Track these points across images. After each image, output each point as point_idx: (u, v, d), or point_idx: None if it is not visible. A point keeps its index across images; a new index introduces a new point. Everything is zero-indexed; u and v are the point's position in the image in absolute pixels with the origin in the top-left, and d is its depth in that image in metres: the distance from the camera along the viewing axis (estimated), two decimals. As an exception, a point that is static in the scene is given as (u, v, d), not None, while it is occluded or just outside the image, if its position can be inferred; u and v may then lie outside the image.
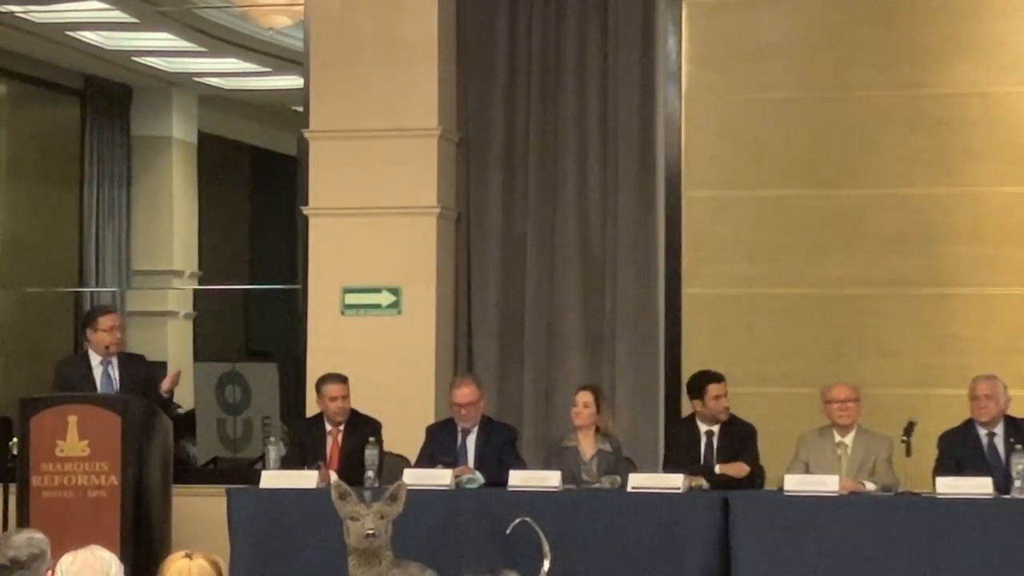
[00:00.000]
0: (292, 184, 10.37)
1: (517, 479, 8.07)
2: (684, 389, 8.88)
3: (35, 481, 8.22)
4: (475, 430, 8.60)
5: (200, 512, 8.48)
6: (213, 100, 13.97)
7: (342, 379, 8.73)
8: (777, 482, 8.10)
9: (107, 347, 8.73)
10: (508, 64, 9.93)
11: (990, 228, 9.40)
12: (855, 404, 8.23)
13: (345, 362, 8.97)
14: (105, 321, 8.78)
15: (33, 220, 12.89)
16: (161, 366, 12.82)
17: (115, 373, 8.75)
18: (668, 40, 9.74)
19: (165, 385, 8.85)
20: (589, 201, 9.80)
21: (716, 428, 8.48)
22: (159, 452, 8.39)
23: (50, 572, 4.37)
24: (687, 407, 8.83)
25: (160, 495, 8.36)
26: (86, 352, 8.85)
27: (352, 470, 8.26)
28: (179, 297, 13.68)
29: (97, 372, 8.73)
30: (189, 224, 13.81)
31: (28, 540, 4.38)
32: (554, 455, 8.49)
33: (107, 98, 13.34)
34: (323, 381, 8.78)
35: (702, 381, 8.54)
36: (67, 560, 4.34)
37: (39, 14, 11.73)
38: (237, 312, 14.69)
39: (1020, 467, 7.58)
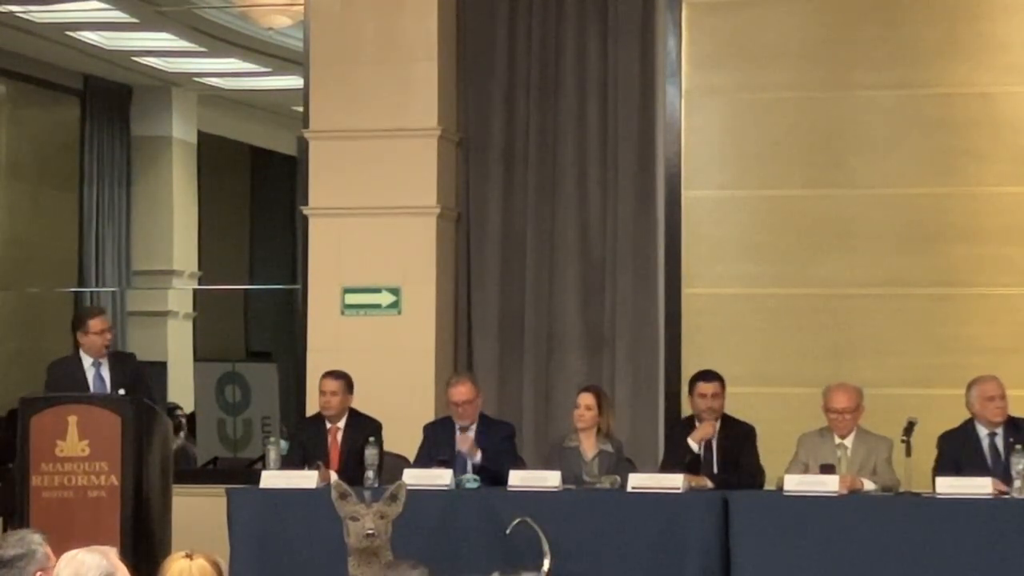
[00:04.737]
0: (292, 184, 10.38)
1: (517, 479, 8.06)
2: (685, 389, 8.88)
3: (35, 481, 8.21)
4: (473, 428, 8.60)
5: (200, 512, 8.47)
6: (213, 100, 13.98)
7: (339, 376, 8.72)
8: (777, 482, 8.09)
9: (101, 348, 8.72)
10: (508, 64, 9.93)
11: (990, 228, 9.40)
12: (852, 415, 8.17)
13: (345, 362, 8.97)
14: (95, 324, 8.77)
15: (33, 220, 12.90)
16: (161, 366, 12.86)
17: (107, 373, 8.75)
18: (668, 40, 9.74)
19: None
20: (589, 201, 9.80)
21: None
22: (159, 452, 8.39)
23: (45, 572, 4.36)
24: (687, 407, 8.83)
25: (160, 495, 8.35)
26: (78, 353, 8.84)
27: (352, 470, 8.26)
28: (179, 297, 13.69)
29: (89, 373, 8.73)
30: (189, 224, 13.82)
31: (19, 539, 4.37)
32: (555, 455, 8.48)
33: (107, 98, 13.35)
34: (322, 376, 8.80)
35: (693, 378, 8.56)
36: (62, 562, 4.33)
37: (39, 14, 11.74)
38: (237, 312, 14.70)
39: (1020, 467, 7.58)
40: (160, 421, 8.52)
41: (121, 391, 8.50)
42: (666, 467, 8.36)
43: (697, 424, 8.42)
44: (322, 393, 8.71)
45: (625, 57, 9.77)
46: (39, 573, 4.34)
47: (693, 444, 8.34)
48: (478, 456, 8.40)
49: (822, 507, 7.68)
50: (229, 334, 14.46)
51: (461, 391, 8.56)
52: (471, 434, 8.50)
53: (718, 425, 8.41)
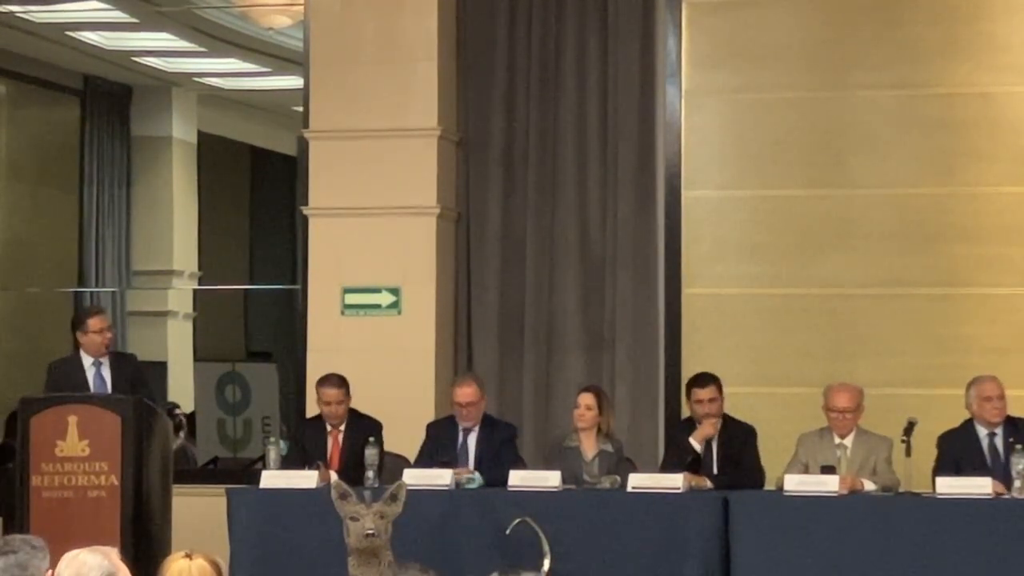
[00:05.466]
0: (292, 184, 10.37)
1: (517, 479, 8.06)
2: (684, 390, 8.88)
3: (35, 481, 8.20)
4: (476, 429, 8.59)
5: (200, 512, 8.47)
6: (213, 100, 13.98)
7: (338, 383, 8.66)
8: (777, 482, 8.10)
9: (101, 347, 8.72)
10: (508, 64, 9.93)
11: (990, 228, 9.40)
12: (852, 415, 8.17)
13: (345, 362, 8.97)
14: (95, 323, 8.76)
15: (33, 220, 12.90)
16: (161, 366, 12.86)
17: (107, 373, 8.74)
18: (668, 40, 9.74)
19: None
20: (589, 201, 9.80)
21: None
22: (159, 452, 8.39)
23: (50, 572, 4.37)
24: (688, 408, 8.83)
25: (160, 495, 8.35)
26: (78, 353, 8.83)
27: (352, 470, 8.26)
28: (179, 297, 13.69)
29: (90, 373, 8.73)
30: (189, 224, 13.82)
31: (35, 537, 4.39)
32: (555, 455, 8.48)
33: (107, 98, 13.35)
34: (320, 383, 8.75)
35: (689, 383, 8.55)
36: (63, 562, 4.33)
37: (39, 14, 11.74)
38: (237, 312, 14.70)
39: (1020, 467, 7.58)
40: (160, 421, 8.52)
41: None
42: (666, 467, 8.36)
43: (697, 424, 8.42)
44: (326, 403, 8.66)
45: (625, 57, 9.77)
46: (49, 572, 4.35)
47: (695, 443, 8.34)
48: (475, 476, 8.36)
49: (822, 507, 7.68)
50: (229, 334, 14.45)
51: (466, 392, 8.56)
52: (470, 466, 8.48)
53: (719, 424, 8.41)
